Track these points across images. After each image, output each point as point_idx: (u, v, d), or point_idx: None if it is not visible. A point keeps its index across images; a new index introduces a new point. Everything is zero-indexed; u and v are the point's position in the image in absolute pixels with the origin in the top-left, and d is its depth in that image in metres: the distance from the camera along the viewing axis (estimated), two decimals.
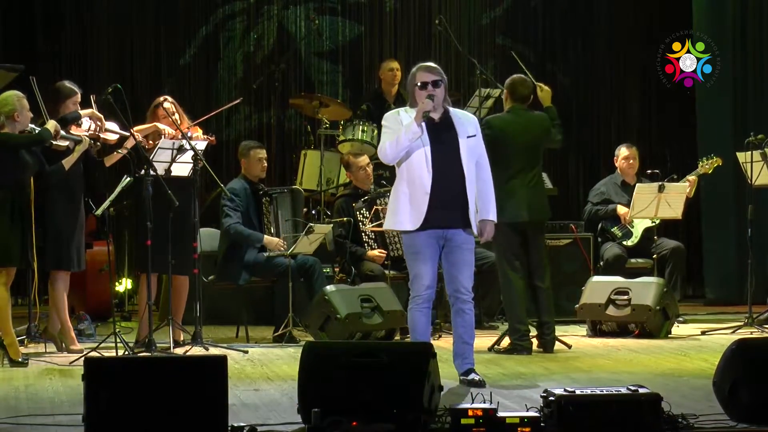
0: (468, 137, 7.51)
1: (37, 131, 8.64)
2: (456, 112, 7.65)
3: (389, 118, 7.59)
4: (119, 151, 9.15)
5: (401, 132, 7.39)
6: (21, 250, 8.59)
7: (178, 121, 9.49)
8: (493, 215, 7.62)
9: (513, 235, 9.03)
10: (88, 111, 9.10)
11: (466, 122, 7.60)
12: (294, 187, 11.07)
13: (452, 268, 7.53)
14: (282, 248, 9.81)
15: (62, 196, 8.96)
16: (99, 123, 9.11)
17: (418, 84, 7.50)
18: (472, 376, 7.51)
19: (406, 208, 7.45)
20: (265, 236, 9.87)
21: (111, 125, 9.24)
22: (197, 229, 9.35)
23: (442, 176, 7.40)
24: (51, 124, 8.73)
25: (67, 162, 8.85)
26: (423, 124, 7.39)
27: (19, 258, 8.62)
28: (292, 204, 10.33)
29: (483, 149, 7.66)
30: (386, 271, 10.16)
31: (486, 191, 7.60)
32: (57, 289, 9.04)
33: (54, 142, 8.76)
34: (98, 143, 9.14)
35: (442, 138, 7.46)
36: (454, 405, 6.00)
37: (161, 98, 9.63)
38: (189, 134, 9.35)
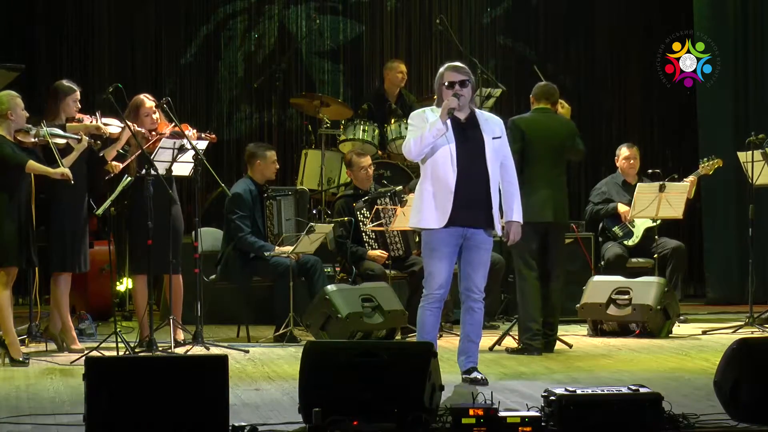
0: (494, 138, 7.51)
1: (20, 156, 8.61)
2: (482, 114, 7.68)
3: (415, 116, 7.59)
4: (122, 150, 9.13)
5: (426, 129, 7.39)
6: (22, 249, 8.59)
7: (158, 122, 9.40)
8: (518, 216, 7.64)
9: (532, 235, 9.03)
10: (81, 125, 9.04)
11: (493, 123, 7.61)
12: (300, 188, 11.06)
13: (468, 267, 7.55)
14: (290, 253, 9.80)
15: (66, 197, 8.95)
16: (97, 131, 9.06)
17: (446, 83, 7.50)
18: (474, 374, 7.53)
19: (430, 205, 7.44)
20: (276, 247, 9.86)
21: (110, 120, 9.22)
22: (198, 229, 9.36)
23: (467, 175, 7.40)
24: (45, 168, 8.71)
25: (67, 161, 8.82)
26: (449, 122, 7.39)
27: (19, 258, 8.62)
28: (297, 205, 10.33)
29: (508, 151, 7.67)
30: (387, 271, 10.16)
31: (511, 192, 7.61)
32: (59, 288, 9.05)
33: (52, 141, 8.72)
34: (98, 141, 9.10)
35: (468, 137, 7.47)
36: (455, 404, 6.00)
37: (145, 101, 9.47)
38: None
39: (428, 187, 7.47)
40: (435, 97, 7.67)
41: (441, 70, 7.61)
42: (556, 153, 9.21)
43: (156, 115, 9.37)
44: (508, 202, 7.59)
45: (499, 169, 7.51)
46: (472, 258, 7.53)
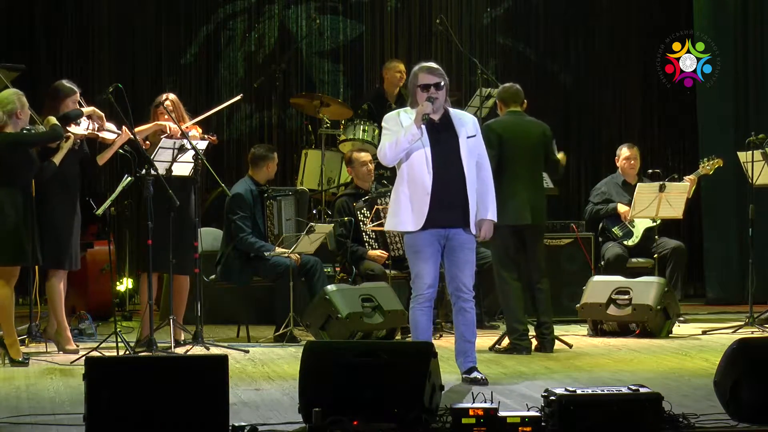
0: (468, 137, 7.52)
1: (50, 126, 8.63)
2: (455, 113, 7.66)
3: (389, 119, 7.58)
4: (122, 150, 9.12)
5: (401, 134, 7.40)
6: (32, 248, 8.59)
7: (177, 121, 9.46)
8: (492, 215, 7.62)
9: (510, 237, 9.04)
10: (89, 109, 9.08)
11: (466, 122, 7.60)
12: (300, 188, 11.06)
13: (454, 267, 7.54)
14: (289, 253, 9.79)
15: (58, 195, 8.94)
16: (100, 121, 9.09)
17: (420, 85, 7.50)
18: (474, 374, 7.53)
19: (407, 208, 7.45)
20: (276, 247, 9.85)
21: (108, 125, 9.23)
22: (198, 229, 9.35)
23: (443, 176, 7.41)
24: (52, 120, 8.71)
25: (56, 158, 8.83)
26: (423, 125, 7.40)
27: (31, 256, 8.61)
28: (297, 205, 10.33)
29: (483, 149, 7.67)
30: (387, 271, 10.16)
31: (486, 191, 7.61)
32: (54, 288, 8.99)
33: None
34: (78, 139, 9.07)
35: (442, 138, 7.47)
36: (455, 404, 6.00)
37: (162, 97, 9.59)
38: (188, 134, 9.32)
39: (405, 190, 7.47)
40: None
41: (415, 69, 7.59)
42: (532, 154, 9.20)
43: (173, 114, 9.40)
44: (483, 200, 7.58)
45: (475, 167, 7.52)
46: (457, 258, 7.53)
